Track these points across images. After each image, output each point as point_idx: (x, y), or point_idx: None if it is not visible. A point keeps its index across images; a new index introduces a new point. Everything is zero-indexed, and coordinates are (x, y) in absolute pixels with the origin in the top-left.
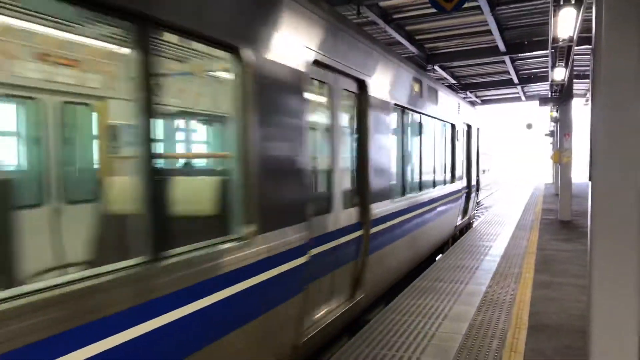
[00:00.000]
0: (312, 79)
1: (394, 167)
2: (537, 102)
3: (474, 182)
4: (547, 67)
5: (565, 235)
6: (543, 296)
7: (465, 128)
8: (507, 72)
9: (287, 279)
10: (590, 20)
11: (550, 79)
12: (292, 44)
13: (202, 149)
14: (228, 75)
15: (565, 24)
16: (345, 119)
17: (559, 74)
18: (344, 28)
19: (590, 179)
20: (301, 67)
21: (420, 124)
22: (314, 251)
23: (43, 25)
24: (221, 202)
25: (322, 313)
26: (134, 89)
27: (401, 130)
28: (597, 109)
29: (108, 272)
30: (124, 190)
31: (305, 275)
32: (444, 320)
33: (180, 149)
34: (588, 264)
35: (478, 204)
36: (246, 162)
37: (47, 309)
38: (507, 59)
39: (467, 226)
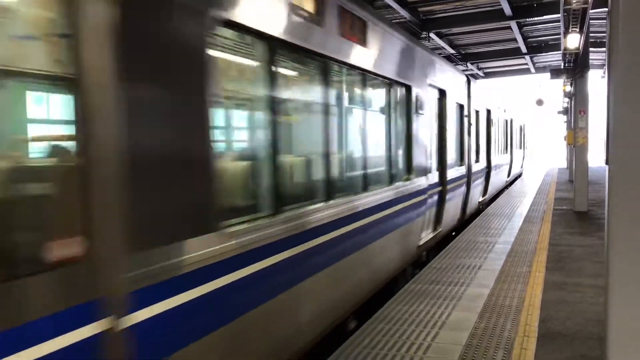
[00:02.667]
0: None
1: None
2: (548, 74)
3: (524, 155)
4: (559, 33)
5: (581, 228)
6: (555, 299)
7: (524, 126)
8: (514, 40)
9: None
10: None
11: (562, 48)
12: None
13: None
14: None
15: None
16: None
17: (573, 41)
18: None
19: (607, 163)
20: None
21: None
22: None
23: None
24: None
25: None
26: None
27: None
28: (615, 81)
29: None
30: None
31: None
32: (441, 329)
33: None
34: (605, 261)
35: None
36: None
37: None
38: (513, 24)
39: (519, 176)
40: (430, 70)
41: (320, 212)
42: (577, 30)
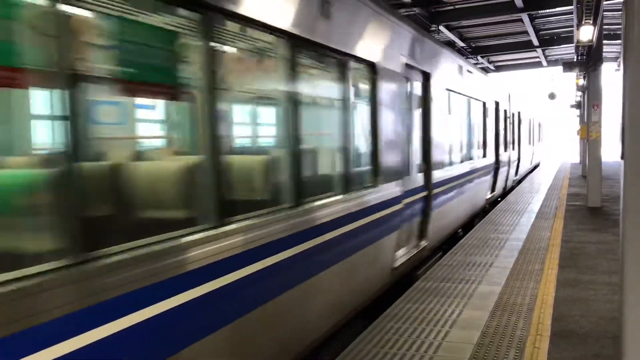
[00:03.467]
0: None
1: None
2: (560, 67)
3: (541, 147)
4: (572, 25)
5: (595, 225)
6: (568, 297)
7: (542, 122)
8: (526, 33)
9: None
10: None
11: (575, 40)
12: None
13: None
14: None
15: None
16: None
17: (586, 33)
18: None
19: (622, 158)
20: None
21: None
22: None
23: None
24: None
25: None
26: None
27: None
28: (631, 74)
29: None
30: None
31: None
32: (451, 328)
33: None
34: (620, 258)
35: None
36: None
37: None
38: (525, 16)
39: (537, 165)
40: (493, 90)
41: (463, 167)
42: (591, 22)
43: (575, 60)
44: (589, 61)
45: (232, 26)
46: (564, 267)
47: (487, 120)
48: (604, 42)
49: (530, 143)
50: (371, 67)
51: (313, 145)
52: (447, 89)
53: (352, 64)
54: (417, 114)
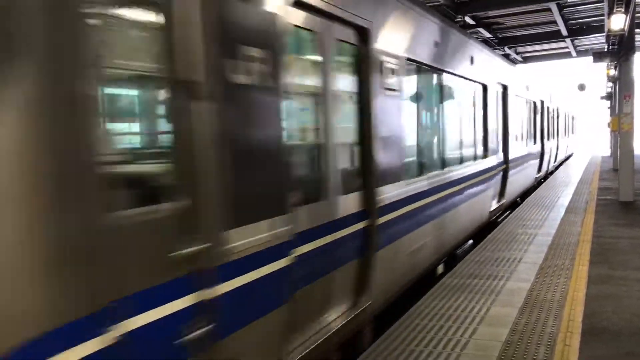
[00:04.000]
0: None
1: None
2: (590, 58)
3: (575, 139)
4: (602, 14)
5: (627, 219)
6: (600, 293)
7: (574, 115)
8: (554, 23)
9: None
10: None
11: (606, 29)
12: None
13: None
14: None
15: None
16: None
17: (618, 22)
18: None
19: None
20: None
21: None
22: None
23: None
24: None
25: None
26: None
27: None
28: None
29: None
30: None
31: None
32: (479, 325)
33: None
34: None
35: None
36: None
37: None
38: (553, 5)
39: (571, 155)
40: (540, 91)
41: (524, 150)
42: (622, 10)
43: (605, 50)
44: (620, 51)
45: (439, 75)
46: (595, 263)
47: (537, 115)
48: (636, 30)
49: (565, 135)
50: (484, 86)
51: (467, 132)
52: (516, 95)
53: (476, 86)
54: (500, 112)
